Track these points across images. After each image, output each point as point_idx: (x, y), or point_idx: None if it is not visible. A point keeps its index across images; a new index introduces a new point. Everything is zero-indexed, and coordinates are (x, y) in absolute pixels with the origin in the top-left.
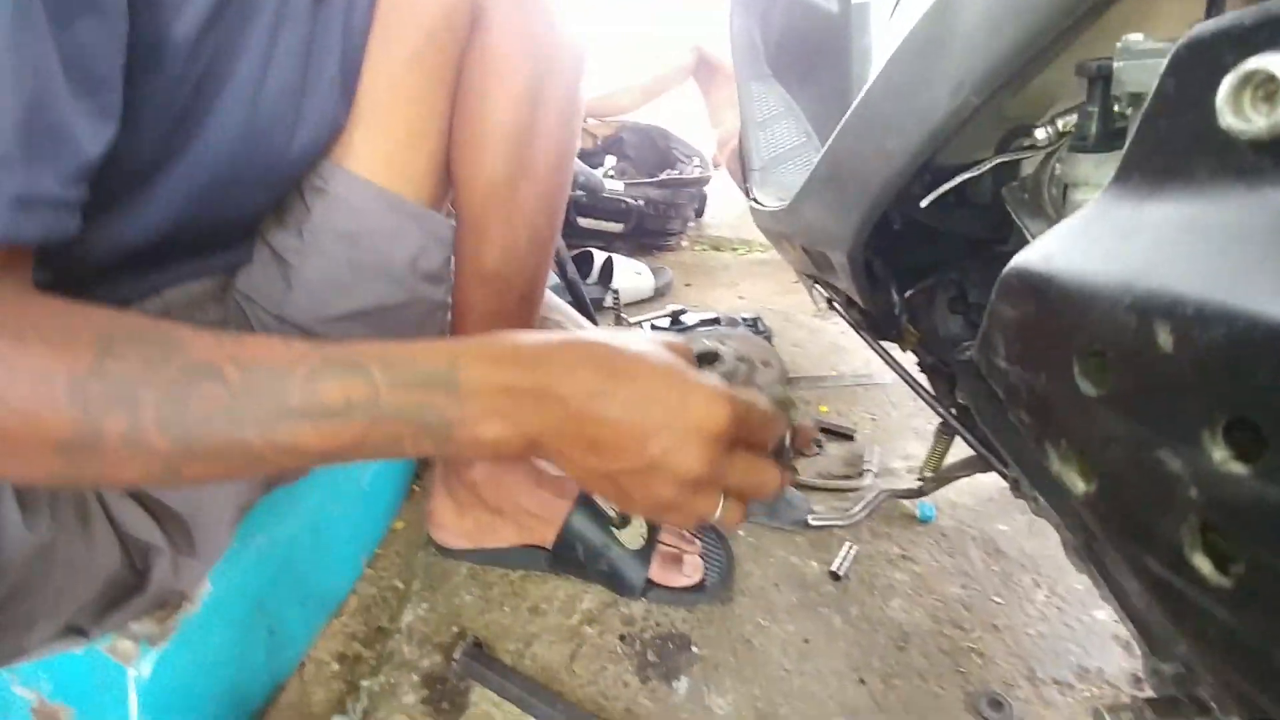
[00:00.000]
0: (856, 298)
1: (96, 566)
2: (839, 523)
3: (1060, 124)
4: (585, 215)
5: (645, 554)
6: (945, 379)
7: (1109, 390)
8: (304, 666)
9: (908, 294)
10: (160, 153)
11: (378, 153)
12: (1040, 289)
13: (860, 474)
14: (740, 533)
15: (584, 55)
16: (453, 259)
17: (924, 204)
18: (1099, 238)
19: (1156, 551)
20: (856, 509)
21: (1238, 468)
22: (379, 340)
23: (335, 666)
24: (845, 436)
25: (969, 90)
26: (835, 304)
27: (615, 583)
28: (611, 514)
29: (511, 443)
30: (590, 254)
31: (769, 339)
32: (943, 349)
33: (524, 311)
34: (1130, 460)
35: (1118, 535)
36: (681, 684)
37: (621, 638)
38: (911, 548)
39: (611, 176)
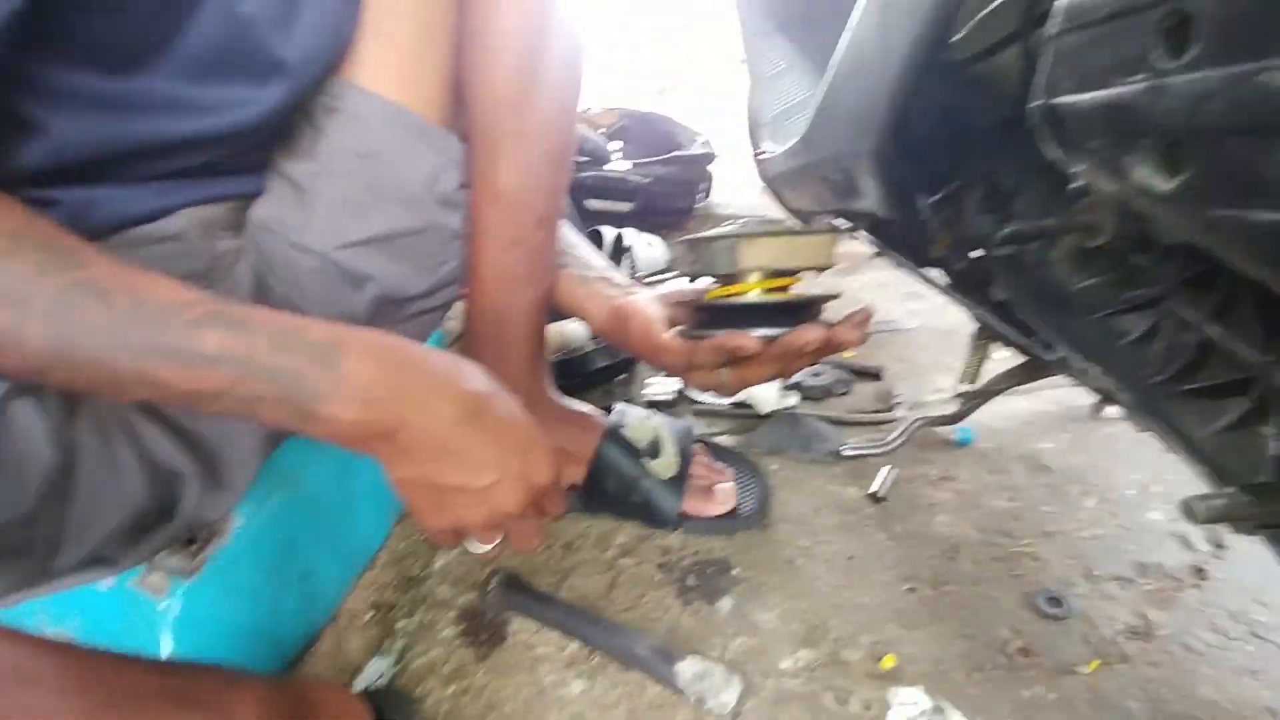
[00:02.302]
0: (885, 210)
1: (122, 491)
2: (875, 451)
3: None
4: (594, 197)
5: (678, 484)
6: (978, 283)
7: (1199, 46)
8: (338, 618)
9: (936, 198)
10: (146, 36)
11: (388, 66)
12: None
13: (891, 408)
14: (774, 466)
15: None
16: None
17: (957, 41)
18: None
19: (1265, 197)
20: (892, 437)
21: None
22: (290, 312)
23: (370, 615)
24: (873, 376)
25: None
26: (859, 234)
27: (649, 514)
28: (641, 445)
29: (365, 429)
30: (599, 232)
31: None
32: (976, 249)
33: (541, 236)
34: (1228, 106)
35: (1219, 205)
36: (725, 603)
37: (660, 566)
38: (952, 468)
39: (617, 156)
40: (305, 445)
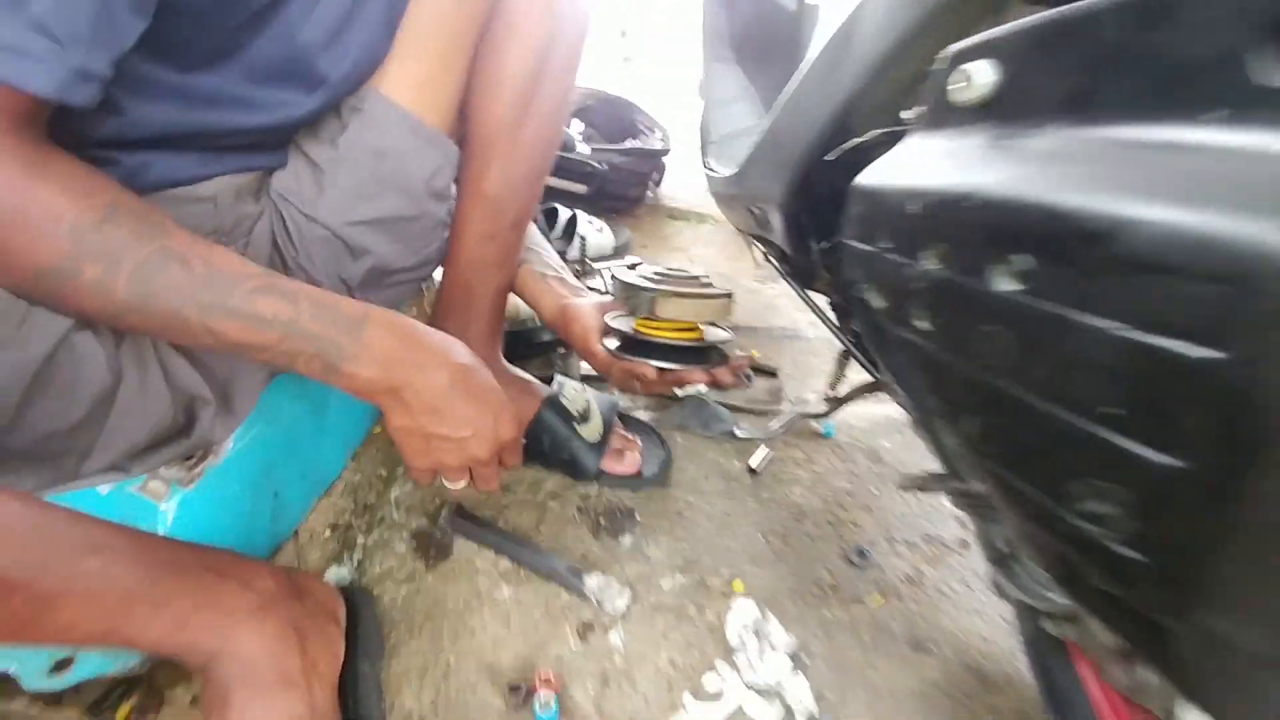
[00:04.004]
0: (786, 248)
1: (149, 412)
2: (759, 435)
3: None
4: (552, 174)
5: (600, 446)
6: (846, 314)
7: (884, 244)
8: (298, 535)
9: (823, 245)
10: (220, 46)
11: (410, 83)
12: (865, 193)
13: (779, 402)
14: (678, 439)
15: (588, 22)
16: (456, 183)
17: (829, 157)
18: (894, 162)
19: (902, 323)
20: (774, 425)
21: (940, 268)
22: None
23: (328, 533)
24: (770, 374)
25: (874, 65)
26: (770, 258)
27: (573, 468)
28: (574, 411)
29: (378, 385)
30: (556, 209)
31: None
32: (845, 289)
33: (513, 235)
34: (889, 274)
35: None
36: (626, 539)
37: (579, 509)
38: (814, 454)
39: (580, 140)
40: (284, 386)
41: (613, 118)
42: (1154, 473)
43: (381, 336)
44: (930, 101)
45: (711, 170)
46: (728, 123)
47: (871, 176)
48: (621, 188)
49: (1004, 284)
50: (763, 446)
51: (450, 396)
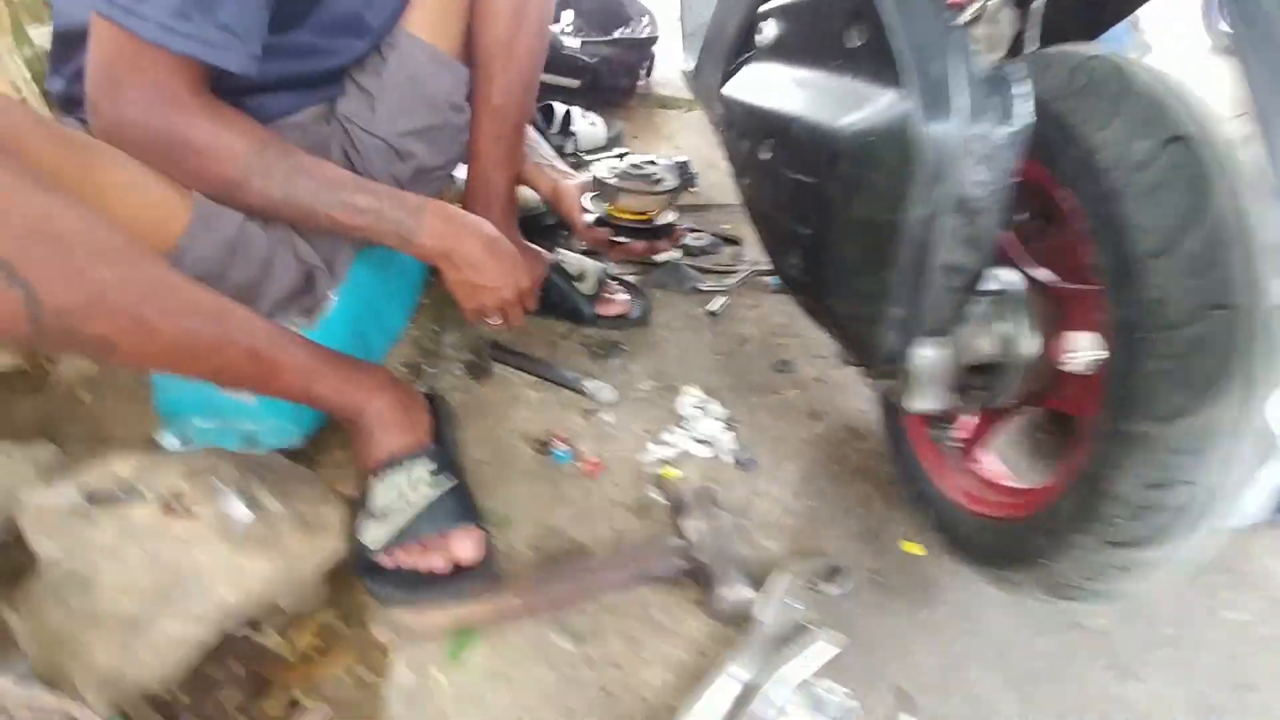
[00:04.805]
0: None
1: (288, 274)
2: (719, 288)
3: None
4: (547, 71)
5: (594, 297)
6: None
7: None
8: None
9: None
10: (303, 11)
11: (428, 21)
12: (723, 99)
13: (738, 263)
14: (658, 294)
15: None
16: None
17: (730, 69)
18: (738, 80)
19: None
20: (731, 281)
21: (747, 145)
22: (389, 186)
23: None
24: (734, 241)
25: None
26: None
27: (576, 316)
28: (573, 272)
29: (436, 251)
30: (552, 107)
31: (694, 178)
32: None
33: (516, 135)
34: (735, 150)
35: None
36: (615, 360)
37: (580, 342)
38: (762, 302)
39: (569, 34)
40: (365, 264)
41: (601, 6)
42: (803, 239)
43: (435, 219)
44: (755, 42)
45: (684, 64)
46: (696, 15)
47: (727, 89)
48: (612, 79)
49: (764, 154)
50: (722, 296)
51: (484, 257)
